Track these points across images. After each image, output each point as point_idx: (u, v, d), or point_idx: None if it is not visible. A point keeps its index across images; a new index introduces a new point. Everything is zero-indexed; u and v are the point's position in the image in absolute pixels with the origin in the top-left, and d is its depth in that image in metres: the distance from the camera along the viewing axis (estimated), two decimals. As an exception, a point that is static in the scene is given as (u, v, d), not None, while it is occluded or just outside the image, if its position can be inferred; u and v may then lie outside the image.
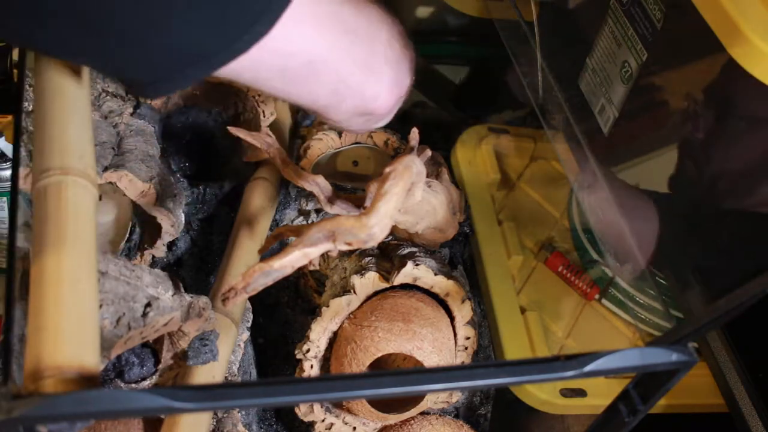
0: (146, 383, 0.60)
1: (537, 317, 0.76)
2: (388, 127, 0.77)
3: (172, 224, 0.67)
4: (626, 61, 0.64)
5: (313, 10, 0.47)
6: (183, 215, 0.69)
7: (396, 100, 0.57)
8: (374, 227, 0.54)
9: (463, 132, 0.94)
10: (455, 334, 0.66)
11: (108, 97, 0.69)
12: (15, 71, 0.77)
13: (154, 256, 0.71)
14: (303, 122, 0.84)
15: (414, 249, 0.67)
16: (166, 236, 0.68)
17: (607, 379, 0.71)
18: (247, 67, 0.44)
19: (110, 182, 0.64)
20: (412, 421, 0.68)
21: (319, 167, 0.76)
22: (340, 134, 0.76)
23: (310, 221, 0.74)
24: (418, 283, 0.65)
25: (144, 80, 0.42)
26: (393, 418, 0.65)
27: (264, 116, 0.75)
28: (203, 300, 0.56)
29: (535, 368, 0.39)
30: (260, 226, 0.71)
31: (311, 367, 0.65)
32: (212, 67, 0.42)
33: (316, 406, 0.66)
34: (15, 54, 0.76)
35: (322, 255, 0.61)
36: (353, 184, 0.76)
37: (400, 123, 1.05)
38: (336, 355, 0.64)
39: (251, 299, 0.63)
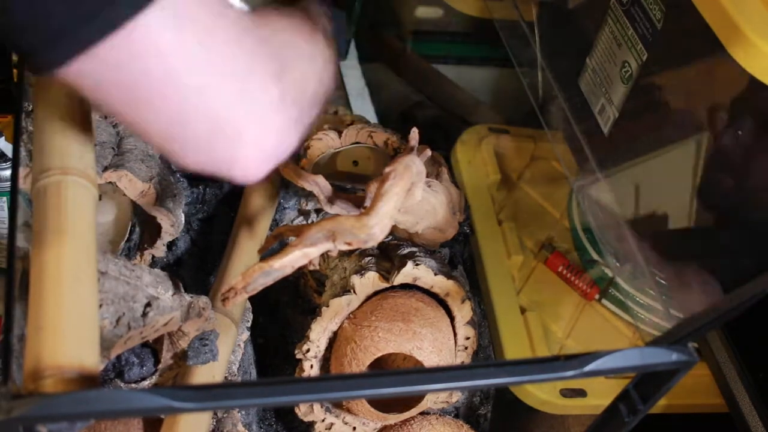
0: (146, 383, 0.60)
1: (537, 317, 0.76)
2: (388, 127, 0.77)
3: (172, 224, 0.67)
4: (626, 61, 0.64)
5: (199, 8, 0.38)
6: (183, 215, 0.69)
7: (269, 162, 0.44)
8: (374, 227, 0.54)
9: (463, 132, 0.94)
10: (455, 334, 0.66)
11: (108, 97, 0.69)
12: (15, 71, 0.77)
13: (154, 256, 0.71)
14: None
15: (414, 249, 0.67)
16: (166, 236, 0.68)
17: (607, 379, 0.71)
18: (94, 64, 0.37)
19: (110, 182, 0.64)
20: (412, 421, 0.68)
21: (319, 167, 0.76)
22: (340, 134, 0.76)
23: (310, 221, 0.74)
24: (418, 283, 0.65)
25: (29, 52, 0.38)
26: (393, 418, 0.65)
27: (264, 116, 0.75)
28: (203, 300, 0.56)
29: (535, 368, 0.39)
30: (260, 226, 0.71)
31: (311, 367, 0.65)
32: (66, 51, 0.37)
33: (316, 406, 0.66)
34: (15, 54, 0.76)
35: (322, 255, 0.61)
36: (353, 184, 0.76)
37: (400, 123, 1.06)
38: (336, 355, 0.64)
39: (251, 299, 0.63)
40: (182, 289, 0.55)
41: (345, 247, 0.54)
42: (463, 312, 0.66)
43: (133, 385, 0.59)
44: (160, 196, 0.66)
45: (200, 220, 0.78)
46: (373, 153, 0.77)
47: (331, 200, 0.64)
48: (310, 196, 0.73)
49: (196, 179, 0.78)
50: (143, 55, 0.38)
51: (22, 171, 0.59)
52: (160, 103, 0.40)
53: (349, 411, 0.66)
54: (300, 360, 0.65)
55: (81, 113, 0.50)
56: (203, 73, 0.40)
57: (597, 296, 0.79)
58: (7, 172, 0.72)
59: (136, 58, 0.38)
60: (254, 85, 0.42)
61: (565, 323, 0.78)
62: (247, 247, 0.68)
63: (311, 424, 0.67)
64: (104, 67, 0.38)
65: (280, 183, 0.75)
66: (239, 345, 0.64)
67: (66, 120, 0.49)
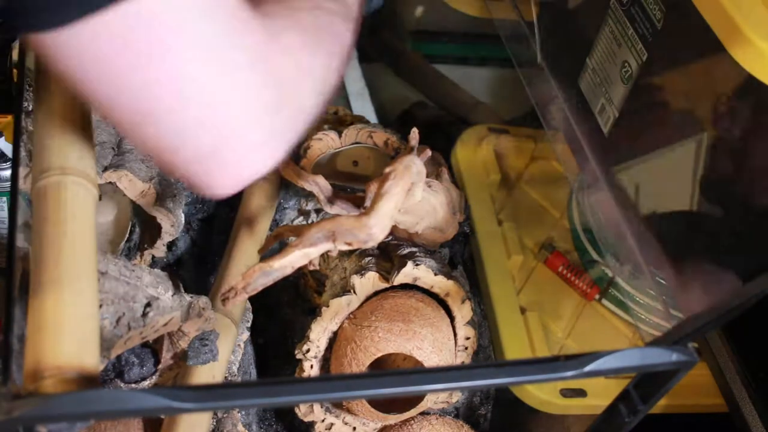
0: (146, 383, 0.60)
1: (537, 317, 0.76)
2: (388, 127, 0.77)
3: (172, 224, 0.67)
4: (626, 61, 0.64)
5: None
6: (183, 215, 0.69)
7: (240, 184, 0.42)
8: (374, 227, 0.54)
9: (463, 132, 0.94)
10: (455, 334, 0.66)
11: (108, 97, 0.69)
12: (15, 71, 0.77)
13: (154, 256, 0.71)
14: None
15: (414, 249, 0.67)
16: (166, 236, 0.68)
17: (607, 379, 0.71)
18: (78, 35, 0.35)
19: (110, 182, 0.64)
20: (412, 421, 0.68)
21: (319, 167, 0.76)
22: (339, 134, 0.76)
23: (310, 221, 0.74)
24: (418, 283, 0.65)
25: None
26: (393, 418, 0.65)
27: (264, 116, 0.75)
28: (203, 300, 0.56)
29: (535, 368, 0.39)
30: (260, 226, 0.71)
31: (311, 367, 0.65)
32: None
33: (316, 406, 0.66)
34: (15, 54, 0.76)
35: (322, 255, 0.61)
36: (353, 184, 0.76)
37: (400, 123, 1.06)
38: (336, 355, 0.64)
39: (251, 299, 0.63)
40: (182, 289, 0.55)
41: (345, 247, 0.54)
42: (463, 312, 0.66)
43: (133, 386, 0.59)
44: (160, 196, 0.66)
45: (200, 220, 0.78)
46: (373, 153, 0.77)
47: (331, 200, 0.64)
48: (310, 196, 0.73)
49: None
50: (141, 34, 0.36)
51: (22, 171, 0.59)
52: (144, 86, 0.37)
53: (349, 411, 0.66)
54: (300, 360, 0.65)
55: (81, 113, 0.50)
56: (204, 80, 0.38)
57: (597, 296, 0.79)
58: (7, 172, 0.72)
59: (133, 35, 0.35)
60: (246, 117, 0.40)
61: (565, 323, 0.78)
62: (247, 247, 0.68)
63: (311, 424, 0.67)
64: (102, 37, 0.35)
65: (280, 183, 0.75)
66: (239, 345, 0.64)
67: (66, 120, 0.49)
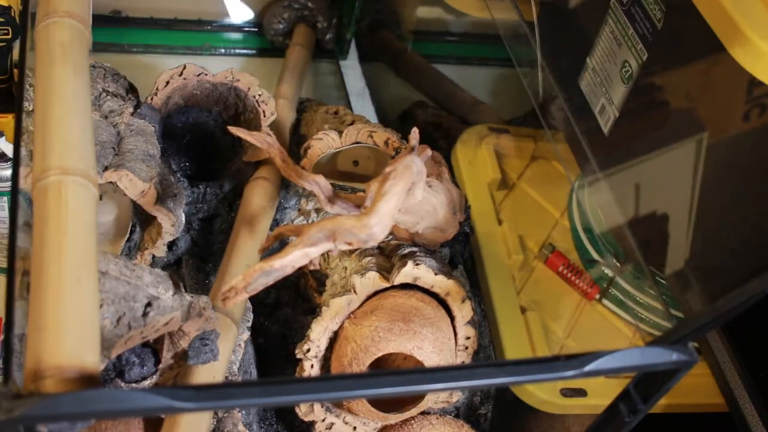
0: (147, 383, 0.60)
1: (537, 317, 0.76)
2: (388, 127, 0.77)
3: (173, 224, 0.67)
4: (626, 61, 0.64)
5: None
6: (183, 215, 0.69)
7: None
8: (374, 227, 0.54)
9: (463, 132, 0.94)
10: (455, 334, 0.66)
11: (108, 96, 0.69)
12: (15, 71, 0.77)
13: (154, 256, 0.71)
14: None
15: (414, 249, 0.67)
16: (167, 236, 0.68)
17: (608, 378, 0.71)
18: None
19: (110, 182, 0.64)
20: (413, 421, 0.68)
21: (320, 167, 0.76)
22: (340, 134, 0.76)
23: (310, 221, 0.74)
24: (419, 283, 0.65)
25: None
26: (393, 418, 0.65)
27: (264, 116, 0.75)
28: (203, 300, 0.56)
29: (535, 368, 0.39)
30: (260, 225, 0.71)
31: (311, 366, 0.65)
32: None
33: (317, 406, 0.66)
34: (15, 53, 0.76)
35: (323, 255, 0.61)
36: (353, 183, 0.76)
37: (400, 123, 1.06)
38: (336, 354, 0.64)
39: (252, 299, 0.63)
40: (183, 289, 0.55)
41: (345, 247, 0.54)
42: (464, 312, 0.66)
43: (134, 385, 0.59)
44: (160, 196, 0.66)
45: (200, 220, 0.78)
46: (373, 153, 0.77)
47: (331, 200, 0.64)
48: (310, 196, 0.73)
49: (196, 179, 0.78)
50: None
51: (23, 171, 0.59)
52: None
53: (349, 411, 0.66)
54: (300, 360, 0.65)
55: (81, 113, 0.50)
56: None
57: (597, 296, 0.79)
58: (8, 172, 0.72)
59: None
60: None
61: (566, 323, 0.78)
62: (247, 247, 0.68)
63: (312, 423, 0.67)
64: None
65: (280, 183, 0.75)
66: (240, 345, 0.64)
67: (66, 120, 0.49)
